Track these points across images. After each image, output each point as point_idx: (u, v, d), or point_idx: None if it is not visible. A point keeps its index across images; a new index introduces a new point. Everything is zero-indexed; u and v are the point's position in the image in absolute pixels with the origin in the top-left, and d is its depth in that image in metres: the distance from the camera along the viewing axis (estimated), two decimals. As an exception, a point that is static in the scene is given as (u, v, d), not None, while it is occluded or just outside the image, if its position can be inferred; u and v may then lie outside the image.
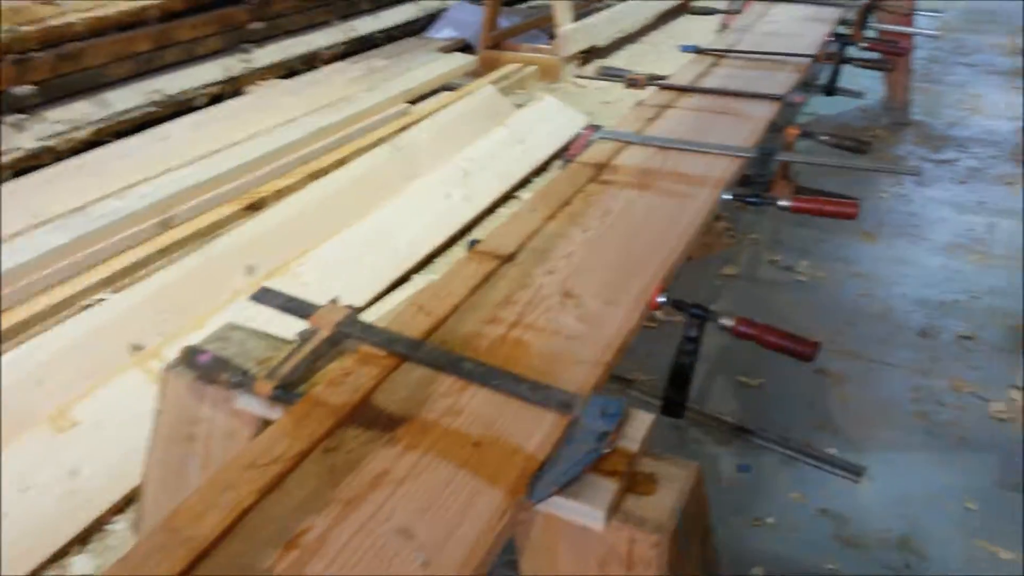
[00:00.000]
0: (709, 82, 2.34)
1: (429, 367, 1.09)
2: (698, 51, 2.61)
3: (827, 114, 4.07)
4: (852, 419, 2.04)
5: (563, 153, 1.85)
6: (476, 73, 4.81)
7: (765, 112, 2.08)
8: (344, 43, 4.71)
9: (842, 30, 3.15)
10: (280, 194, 2.86)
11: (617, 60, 5.21)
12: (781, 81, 2.32)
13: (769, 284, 2.68)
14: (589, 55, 5.21)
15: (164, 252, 2.43)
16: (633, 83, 2.31)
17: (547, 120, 3.67)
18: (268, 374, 1.09)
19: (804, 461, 1.27)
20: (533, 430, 0.98)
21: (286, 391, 1.06)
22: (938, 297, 2.56)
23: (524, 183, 3.33)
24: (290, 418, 1.01)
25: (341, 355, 1.14)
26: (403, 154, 3.10)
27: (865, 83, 3.52)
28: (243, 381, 1.09)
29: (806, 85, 2.64)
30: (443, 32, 5.14)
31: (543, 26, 5.28)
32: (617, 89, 4.62)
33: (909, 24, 3.77)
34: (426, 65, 3.96)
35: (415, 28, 5.26)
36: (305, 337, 1.14)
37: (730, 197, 1.66)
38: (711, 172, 1.74)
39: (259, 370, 1.13)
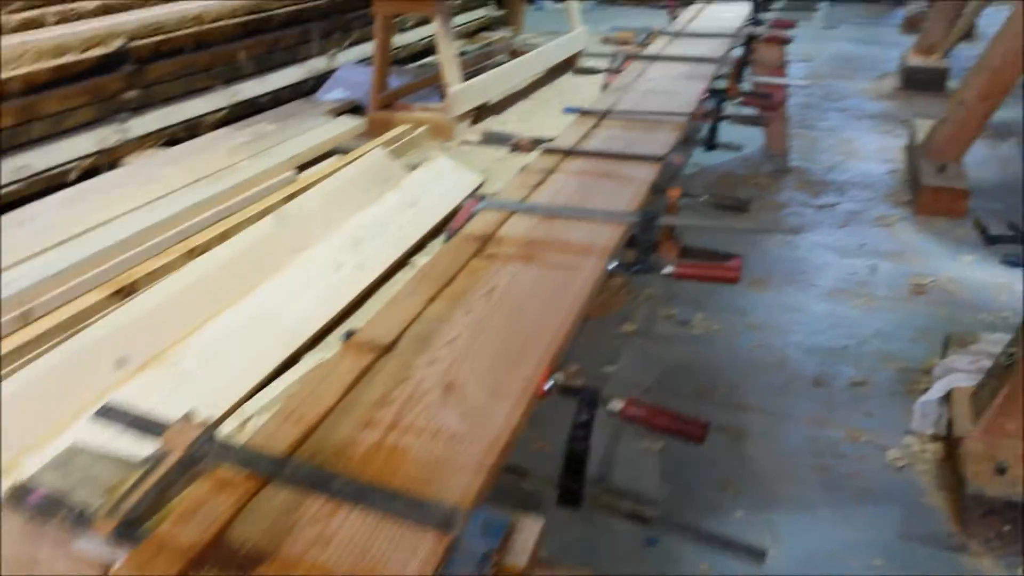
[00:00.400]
0: (592, 144, 2.35)
1: (296, 488, 0.99)
2: (581, 112, 2.62)
3: (711, 164, 4.19)
4: (755, 477, 2.03)
5: (446, 226, 1.79)
6: (369, 134, 4.76)
7: (647, 174, 2.09)
8: (228, 108, 4.58)
9: (720, 84, 3.26)
10: (154, 276, 2.69)
11: (509, 117, 5.26)
12: (661, 141, 2.34)
13: (666, 340, 2.68)
14: (481, 112, 5.24)
15: (22, 350, 2.22)
16: (517, 148, 2.29)
17: (440, 181, 3.63)
18: (111, 509, 0.96)
19: (706, 545, 1.23)
20: (410, 556, 0.89)
21: (129, 529, 0.94)
22: (828, 344, 2.62)
23: (419, 247, 3.26)
24: (132, 563, 0.89)
25: (196, 480, 1.02)
26: (290, 225, 2.99)
27: (746, 132, 3.64)
28: (81, 519, 0.97)
29: (687, 140, 2.69)
30: (333, 94, 5.06)
31: (434, 85, 5.29)
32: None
33: (782, 75, 3.94)
34: (314, 129, 3.87)
35: (303, 90, 5.17)
36: (154, 461, 1.03)
37: (615, 266, 1.64)
38: (596, 240, 1.71)
39: (104, 502, 1.00)
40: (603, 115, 2.60)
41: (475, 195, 1.89)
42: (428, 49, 6.66)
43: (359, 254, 2.95)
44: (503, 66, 5.29)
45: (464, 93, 4.71)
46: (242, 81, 4.73)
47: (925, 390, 2.28)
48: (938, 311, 2.79)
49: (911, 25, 7.62)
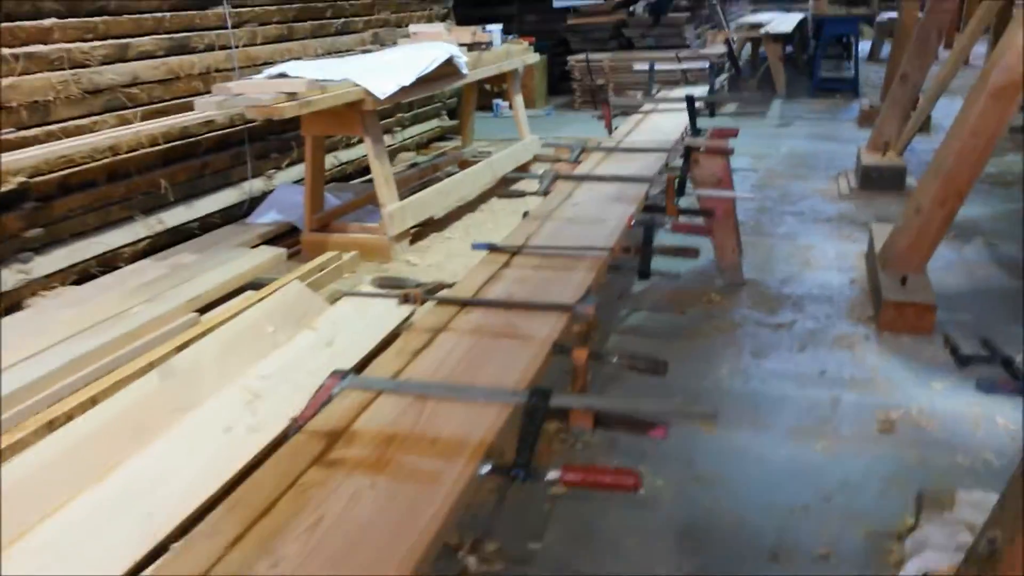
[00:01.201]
0: (496, 290, 2.06)
1: None
2: (491, 249, 2.34)
3: (660, 272, 3.93)
4: None
5: (295, 422, 1.46)
6: (303, 258, 4.49)
7: (551, 329, 1.79)
8: (151, 238, 4.30)
9: (658, 202, 3.02)
10: (12, 449, 2.33)
11: (455, 231, 5.02)
12: (575, 283, 2.06)
13: (603, 501, 2.32)
14: (425, 228, 5.00)
15: None
16: (407, 299, 1.99)
17: (363, 313, 3.32)
18: None
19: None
20: None
21: None
22: (788, 501, 2.27)
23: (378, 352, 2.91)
24: None
25: None
26: (177, 380, 2.65)
27: (698, 240, 3.39)
28: None
29: (616, 268, 2.42)
30: (267, 216, 4.82)
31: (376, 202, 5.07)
32: (454, 264, 4.40)
33: (728, 186, 3.72)
34: (228, 263, 3.58)
35: (238, 214, 4.92)
36: None
37: (488, 470, 1.31)
38: (473, 431, 1.39)
39: None
40: (515, 251, 2.33)
41: (336, 372, 1.57)
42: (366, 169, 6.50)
43: (255, 413, 2.61)
44: (447, 180, 5.09)
45: (402, 212, 4.48)
46: (166, 209, 4.47)
47: (899, 563, 1.93)
48: (909, 453, 2.46)
49: (867, 119, 7.59)
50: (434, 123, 7.47)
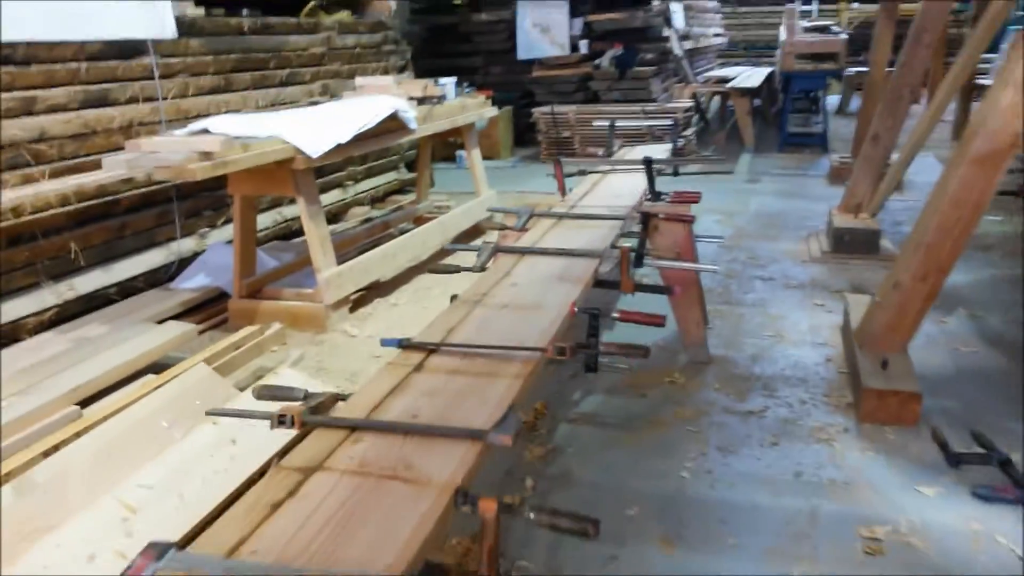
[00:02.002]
0: (400, 404, 1.68)
1: None
2: (402, 346, 1.97)
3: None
4: None
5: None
6: (230, 328, 4.09)
7: (455, 468, 1.41)
8: (59, 307, 3.88)
9: (612, 276, 2.68)
10: None
11: (401, 296, 4.64)
12: (497, 396, 1.69)
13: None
14: (369, 293, 4.63)
15: None
16: (282, 422, 1.61)
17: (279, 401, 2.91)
18: None
19: None
20: None
21: None
22: (758, 654, 1.89)
23: (229, 504, 2.49)
24: None
25: None
26: (37, 495, 2.23)
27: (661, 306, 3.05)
28: None
29: (561, 360, 2.05)
30: (194, 280, 4.42)
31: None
32: (397, 334, 4.00)
33: (690, 256, 3.39)
34: (126, 342, 3.16)
35: (163, 278, 4.52)
36: None
37: None
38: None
39: None
40: (431, 350, 1.95)
41: (153, 545, 1.18)
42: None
43: (129, 534, 2.18)
44: (392, 242, 4.72)
45: (339, 278, 4.10)
46: (80, 273, 4.06)
47: None
48: (901, 584, 2.10)
49: (837, 176, 7.39)
50: (391, 176, 7.15)
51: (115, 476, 2.46)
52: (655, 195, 3.60)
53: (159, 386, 2.83)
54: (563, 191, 3.76)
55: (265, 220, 5.39)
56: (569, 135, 8.91)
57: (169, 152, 3.23)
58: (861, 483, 2.57)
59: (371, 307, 4.44)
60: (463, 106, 5.44)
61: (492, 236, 5.00)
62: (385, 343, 1.99)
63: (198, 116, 4.70)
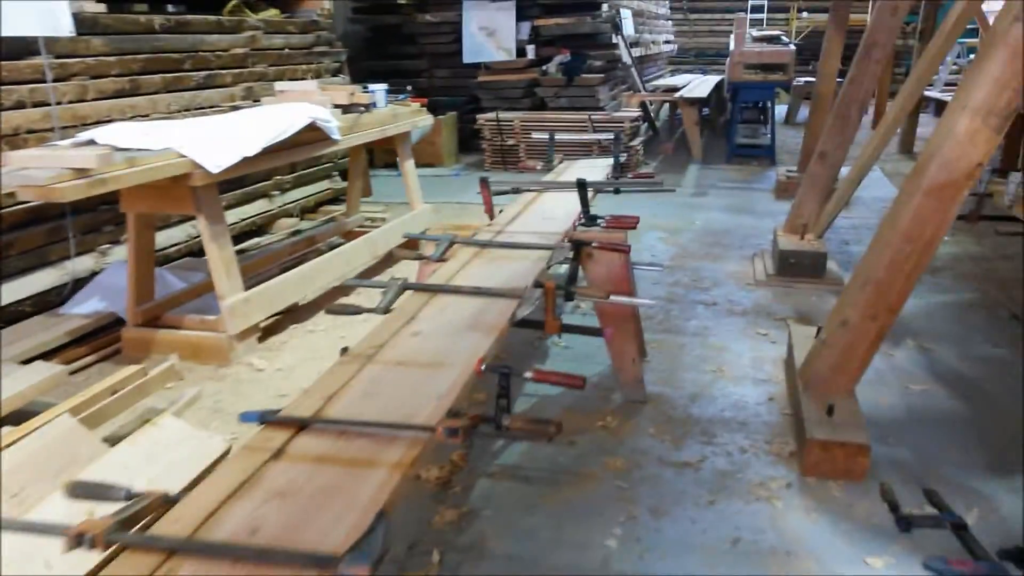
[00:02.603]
0: (240, 511, 1.35)
1: None
2: (263, 422, 1.64)
3: (550, 394, 3.29)
4: None
5: None
6: (124, 360, 3.70)
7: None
8: (-77, 336, 3.44)
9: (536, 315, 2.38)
10: None
11: (321, 322, 4.28)
12: (366, 498, 1.38)
13: None
14: (287, 314, 4.27)
15: None
16: (79, 542, 1.27)
17: (157, 459, 2.56)
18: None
19: None
20: None
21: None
22: None
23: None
24: None
25: None
26: None
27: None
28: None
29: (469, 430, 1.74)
30: (87, 305, 4.00)
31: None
32: (309, 369, 3.66)
33: (626, 289, 3.12)
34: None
35: (57, 300, 4.09)
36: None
37: None
38: None
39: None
40: (300, 427, 1.63)
41: None
42: (247, 232, 5.76)
43: (-60, 639, 1.81)
44: (313, 261, 4.36)
45: (246, 305, 3.73)
46: (-48, 297, 3.63)
47: None
48: None
49: (784, 191, 7.24)
50: (323, 185, 6.77)
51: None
52: (589, 219, 3.32)
53: (13, 442, 2.44)
54: (491, 213, 3.46)
55: (176, 234, 4.99)
56: (514, 143, 8.63)
57: (38, 169, 2.84)
58: (803, 553, 2.32)
59: (286, 334, 4.07)
60: (395, 115, 5.10)
61: (404, 265, 4.69)
62: (245, 418, 1.66)
63: (98, 123, 4.28)
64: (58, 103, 4.08)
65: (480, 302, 2.36)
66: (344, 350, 2.04)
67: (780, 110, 12.00)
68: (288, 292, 4.07)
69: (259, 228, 5.94)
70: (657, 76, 13.39)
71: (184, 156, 3.33)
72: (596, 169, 4.51)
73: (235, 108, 5.07)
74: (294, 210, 6.32)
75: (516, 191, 3.88)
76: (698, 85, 10.30)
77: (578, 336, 3.62)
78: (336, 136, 4.29)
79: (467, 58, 9.29)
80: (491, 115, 8.73)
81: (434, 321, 2.23)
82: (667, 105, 11.64)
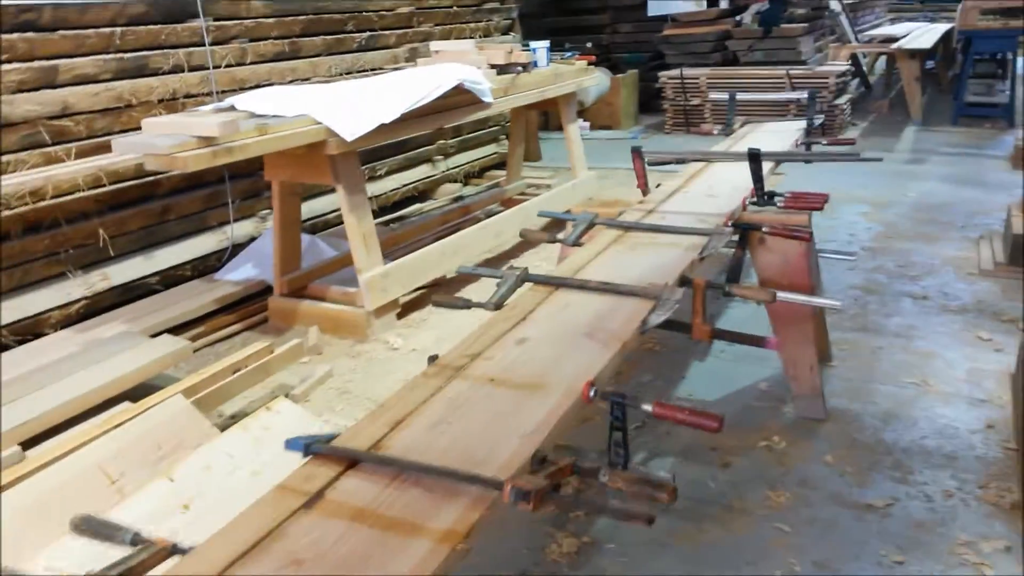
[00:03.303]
0: (274, 556, 1.07)
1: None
2: (309, 453, 1.34)
3: (709, 399, 2.83)
4: None
5: None
6: (269, 330, 3.66)
7: None
8: (86, 299, 3.56)
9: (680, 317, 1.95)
10: None
11: (467, 296, 4.03)
12: (417, 557, 1.04)
13: None
14: (434, 288, 4.06)
15: None
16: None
17: (263, 448, 2.41)
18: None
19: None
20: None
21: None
22: None
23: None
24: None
25: None
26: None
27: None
28: None
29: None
30: (240, 271, 4.00)
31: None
32: (443, 349, 3.42)
33: (804, 284, 2.56)
34: (103, 362, 2.72)
35: (215, 265, 4.14)
36: None
37: None
38: None
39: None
40: (351, 463, 1.33)
41: None
42: (410, 198, 5.63)
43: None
44: (459, 233, 4.11)
45: (384, 280, 3.54)
46: (117, 261, 3.73)
47: None
48: None
49: (1022, 159, 6.08)
50: (489, 149, 6.53)
51: (44, 538, 2.03)
52: (763, 197, 2.78)
53: (123, 422, 2.37)
54: (644, 188, 3.00)
55: (336, 200, 4.93)
56: (699, 102, 7.93)
57: (164, 136, 2.75)
58: (1027, 658, 1.74)
59: (427, 311, 3.86)
60: (557, 74, 4.70)
61: (538, 250, 4.28)
62: (290, 445, 1.38)
63: (257, 86, 4.25)
64: (216, 67, 4.07)
65: (608, 301, 1.95)
66: (432, 359, 1.71)
67: (1020, 63, 10.28)
68: (430, 266, 3.85)
69: (421, 194, 5.80)
70: (874, 24, 11.93)
71: (319, 123, 3.15)
72: (783, 135, 3.87)
73: (398, 70, 4.89)
74: (458, 175, 6.13)
75: (679, 161, 3.38)
76: (922, 35, 8.98)
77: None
78: (488, 99, 3.97)
79: (652, 10, 8.66)
80: (675, 72, 8.07)
81: (547, 324, 1.85)
82: (884, 58, 10.31)
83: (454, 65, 3.95)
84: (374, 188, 5.21)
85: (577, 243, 2.48)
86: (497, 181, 6.19)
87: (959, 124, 7.78)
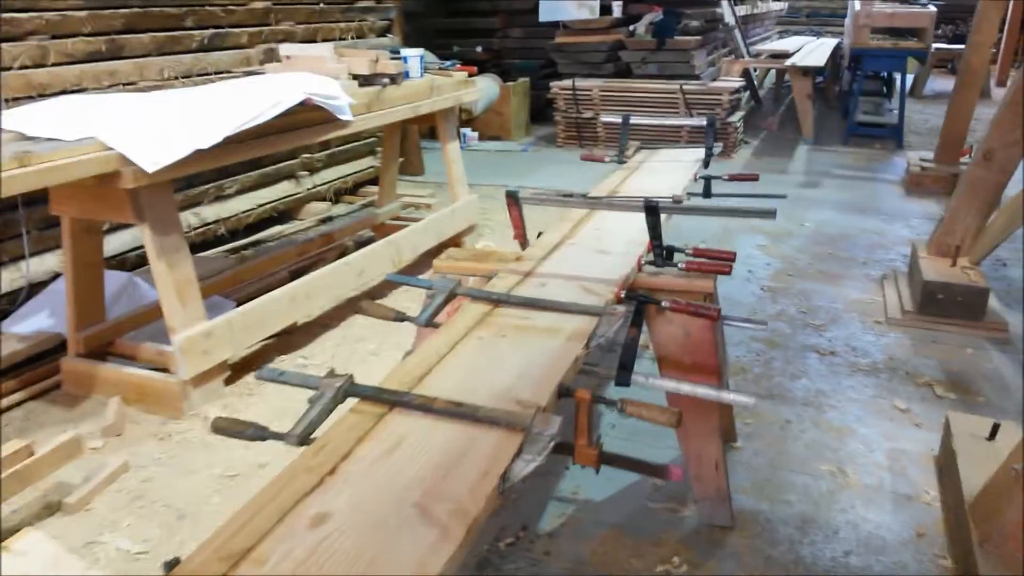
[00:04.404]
0: None
1: None
2: None
3: (600, 498, 2.32)
4: None
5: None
6: (61, 399, 2.93)
7: None
8: None
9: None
10: None
11: (317, 352, 3.42)
12: None
13: None
14: (279, 338, 3.42)
15: None
16: None
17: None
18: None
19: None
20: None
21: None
22: None
23: None
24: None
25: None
26: None
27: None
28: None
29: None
30: (32, 321, 3.24)
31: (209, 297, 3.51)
32: (283, 426, 2.80)
33: (710, 368, 2.10)
34: None
35: (7, 309, 3.36)
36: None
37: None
38: None
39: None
40: None
41: None
42: (269, 219, 4.93)
43: None
44: (309, 276, 3.46)
45: (209, 339, 2.88)
46: None
47: None
48: None
49: (916, 184, 5.96)
50: (365, 162, 5.89)
51: None
52: (661, 255, 2.29)
53: None
54: (523, 240, 2.47)
55: (173, 225, 4.19)
56: (592, 115, 7.54)
57: None
58: None
59: (234, 387, 3.21)
60: (432, 87, 4.12)
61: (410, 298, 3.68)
62: None
63: (63, 92, 3.49)
64: (7, 69, 3.29)
65: (459, 433, 1.40)
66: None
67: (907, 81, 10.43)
68: (273, 316, 3.20)
69: (283, 214, 5.12)
70: (764, 38, 11.93)
71: (111, 149, 2.46)
72: (680, 166, 3.44)
73: (251, 74, 4.19)
74: (327, 193, 5.47)
75: (568, 197, 2.87)
76: (812, 51, 8.91)
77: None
78: (346, 116, 3.36)
79: (544, 16, 8.19)
80: (567, 83, 7.64)
81: (365, 484, 1.28)
82: (774, 71, 10.26)
83: (304, 75, 3.32)
84: (220, 210, 4.50)
85: (431, 324, 1.92)
86: (371, 200, 5.56)
87: (850, 143, 7.69)
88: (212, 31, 4.32)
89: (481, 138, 7.98)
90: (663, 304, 2.04)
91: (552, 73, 8.33)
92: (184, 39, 4.17)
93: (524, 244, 2.47)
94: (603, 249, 2.39)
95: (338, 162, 5.58)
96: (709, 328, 2.13)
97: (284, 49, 3.78)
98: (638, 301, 2.07)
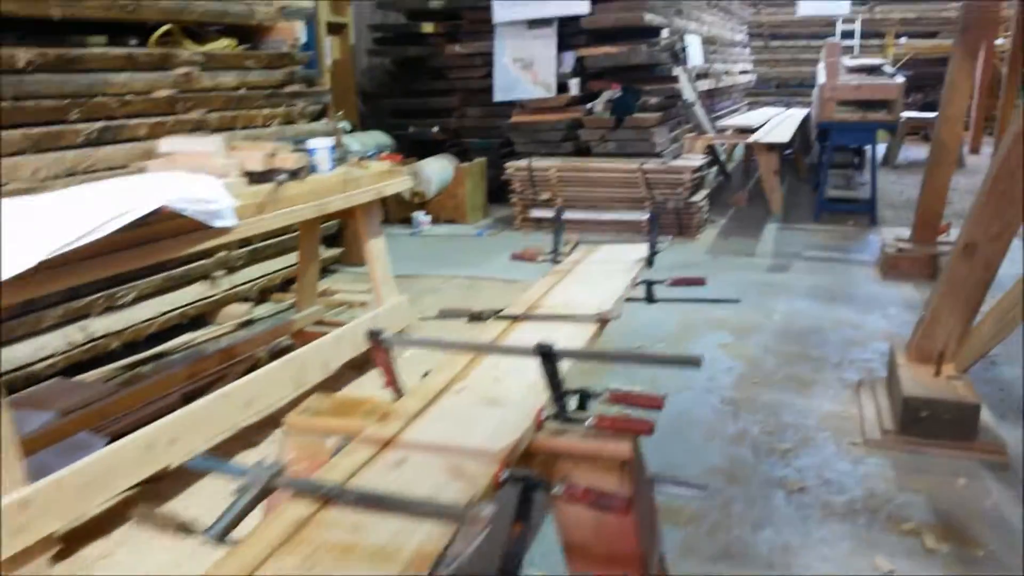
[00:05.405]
0: None
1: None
2: None
3: None
4: None
5: None
6: None
7: None
8: None
9: None
10: None
11: (194, 501, 2.86)
12: None
13: None
14: (134, 495, 2.86)
15: None
16: None
17: None
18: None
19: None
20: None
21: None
22: None
23: None
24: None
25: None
26: None
27: None
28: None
29: None
30: None
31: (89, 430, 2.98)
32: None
33: (632, 561, 1.58)
34: None
35: None
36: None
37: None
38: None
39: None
40: None
41: None
42: (178, 326, 4.41)
43: None
44: (178, 413, 2.92)
45: (27, 509, 2.32)
46: None
47: None
48: None
49: (892, 266, 5.54)
50: (293, 258, 5.41)
51: None
52: (563, 410, 1.78)
53: None
54: (395, 388, 1.96)
55: (51, 341, 3.68)
56: (549, 196, 7.14)
57: None
58: None
59: (121, 532, 2.65)
60: (347, 181, 3.67)
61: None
62: None
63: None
64: None
65: None
66: None
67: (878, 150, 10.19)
68: (123, 469, 2.64)
69: (195, 320, 4.61)
70: (732, 109, 11.74)
71: None
72: (619, 268, 2.98)
73: (134, 172, 3.72)
74: (250, 292, 4.97)
75: (479, 317, 2.38)
76: (779, 124, 8.64)
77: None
78: (223, 222, 2.88)
79: (498, 95, 7.90)
80: (522, 163, 7.28)
81: None
82: (742, 146, 9.99)
83: (168, 176, 2.86)
84: (112, 322, 3.99)
85: (223, 538, 1.40)
86: (285, 303, 5.07)
87: (821, 220, 7.32)
88: (103, 124, 3.88)
89: (435, 221, 7.56)
90: (555, 490, 1.53)
91: (511, 152, 7.99)
92: (67, 134, 3.72)
93: (397, 394, 1.95)
94: (496, 398, 1.88)
95: (264, 257, 5.11)
96: (630, 518, 1.61)
97: (165, 144, 3.32)
98: (524, 485, 1.56)
